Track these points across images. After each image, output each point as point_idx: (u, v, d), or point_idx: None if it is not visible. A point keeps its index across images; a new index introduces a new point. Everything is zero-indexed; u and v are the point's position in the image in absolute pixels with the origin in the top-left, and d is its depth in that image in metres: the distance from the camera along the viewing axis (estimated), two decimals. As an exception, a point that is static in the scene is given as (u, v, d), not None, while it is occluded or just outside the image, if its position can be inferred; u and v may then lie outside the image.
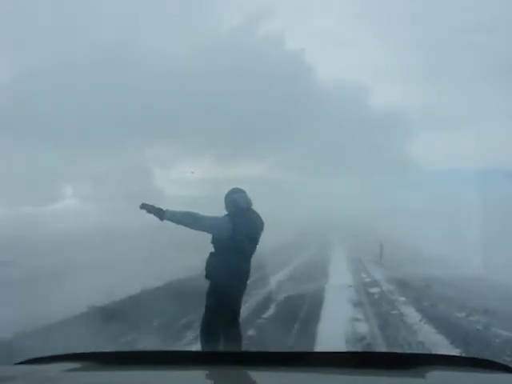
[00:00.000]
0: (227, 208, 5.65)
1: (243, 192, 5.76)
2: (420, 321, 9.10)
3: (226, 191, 5.83)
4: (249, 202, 5.70)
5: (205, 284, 5.60)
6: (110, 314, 8.87)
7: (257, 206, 5.80)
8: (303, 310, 9.82)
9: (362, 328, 8.51)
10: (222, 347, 5.36)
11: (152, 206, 5.47)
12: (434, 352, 6.55)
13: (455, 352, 6.87)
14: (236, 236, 5.33)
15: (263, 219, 5.77)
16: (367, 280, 14.93)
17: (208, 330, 5.52)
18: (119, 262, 15.24)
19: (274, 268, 15.15)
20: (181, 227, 5.47)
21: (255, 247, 5.68)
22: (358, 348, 7.19)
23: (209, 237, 5.56)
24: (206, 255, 5.59)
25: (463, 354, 6.52)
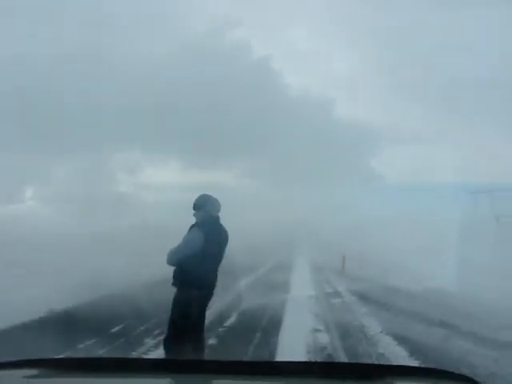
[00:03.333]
0: (197, 214, 5.59)
1: (215, 199, 5.72)
2: (380, 332, 9.17)
3: (191, 198, 5.78)
4: (219, 209, 5.68)
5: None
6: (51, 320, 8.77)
7: (223, 214, 5.77)
8: (264, 319, 9.80)
9: (323, 338, 8.54)
10: (185, 354, 5.30)
11: None
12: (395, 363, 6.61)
13: (415, 363, 6.93)
14: (205, 246, 5.29)
15: (227, 228, 5.76)
16: (329, 291, 15.00)
17: (173, 337, 5.46)
18: (70, 265, 15.05)
19: (235, 278, 15.14)
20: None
21: (222, 257, 5.67)
22: (319, 359, 7.21)
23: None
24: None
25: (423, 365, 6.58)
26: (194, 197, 5.74)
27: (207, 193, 5.82)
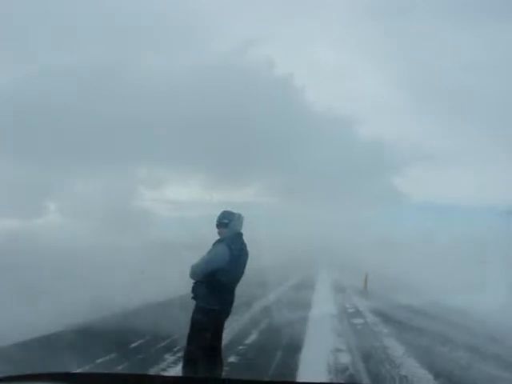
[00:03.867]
0: (221, 231, 5.54)
1: (238, 215, 5.66)
2: (403, 354, 8.99)
3: (213, 213, 5.73)
4: (242, 225, 5.62)
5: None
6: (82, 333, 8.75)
7: (246, 230, 5.70)
8: (285, 338, 9.68)
9: (345, 359, 8.39)
10: (203, 371, 5.23)
11: None
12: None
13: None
14: (228, 262, 5.25)
15: (248, 244, 5.70)
16: (351, 310, 14.80)
17: (191, 352, 5.39)
18: (90, 279, 15.14)
19: (256, 296, 15.07)
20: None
21: (242, 274, 5.61)
22: (340, 380, 7.07)
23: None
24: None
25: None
26: (215, 213, 5.69)
27: (229, 209, 5.76)
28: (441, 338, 10.47)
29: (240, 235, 5.58)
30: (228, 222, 5.53)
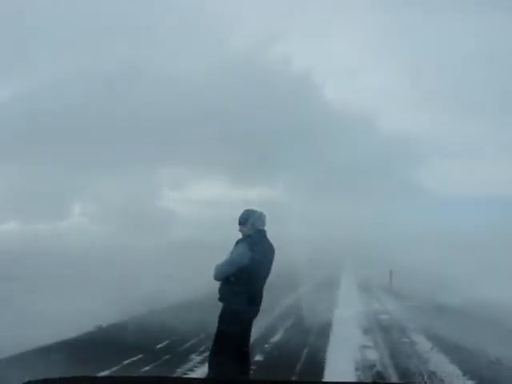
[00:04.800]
0: (243, 229, 5.50)
1: (260, 213, 5.61)
2: (431, 349, 8.91)
3: (235, 213, 5.68)
4: (264, 223, 5.57)
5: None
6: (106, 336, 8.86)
7: (268, 229, 5.66)
8: (311, 335, 9.64)
9: (372, 355, 8.33)
10: (230, 372, 5.20)
11: None
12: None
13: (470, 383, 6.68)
14: (252, 261, 5.20)
15: (274, 243, 5.64)
16: (376, 306, 14.71)
17: (218, 353, 5.37)
18: (117, 280, 15.30)
19: (284, 291, 15.02)
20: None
21: (269, 272, 5.55)
22: (368, 376, 7.02)
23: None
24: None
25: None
26: (237, 212, 5.65)
27: (251, 207, 5.71)
28: (469, 334, 10.29)
29: (262, 233, 5.53)
30: (248, 221, 5.49)
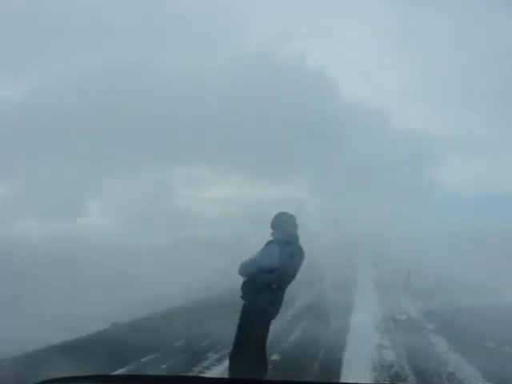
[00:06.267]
0: (274, 233, 5.48)
1: (290, 216, 5.59)
2: (449, 350, 8.82)
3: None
4: (296, 227, 5.54)
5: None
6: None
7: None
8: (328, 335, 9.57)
9: (390, 356, 8.27)
10: (249, 371, 5.18)
11: None
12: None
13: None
14: (279, 263, 5.19)
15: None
16: (393, 306, 14.60)
17: (238, 352, 5.36)
18: (133, 279, 15.41)
19: (300, 291, 14.94)
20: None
21: (294, 277, 5.53)
22: (386, 377, 6.98)
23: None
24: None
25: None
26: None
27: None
28: (488, 335, 10.18)
29: (295, 237, 5.50)
30: (276, 225, 5.49)
